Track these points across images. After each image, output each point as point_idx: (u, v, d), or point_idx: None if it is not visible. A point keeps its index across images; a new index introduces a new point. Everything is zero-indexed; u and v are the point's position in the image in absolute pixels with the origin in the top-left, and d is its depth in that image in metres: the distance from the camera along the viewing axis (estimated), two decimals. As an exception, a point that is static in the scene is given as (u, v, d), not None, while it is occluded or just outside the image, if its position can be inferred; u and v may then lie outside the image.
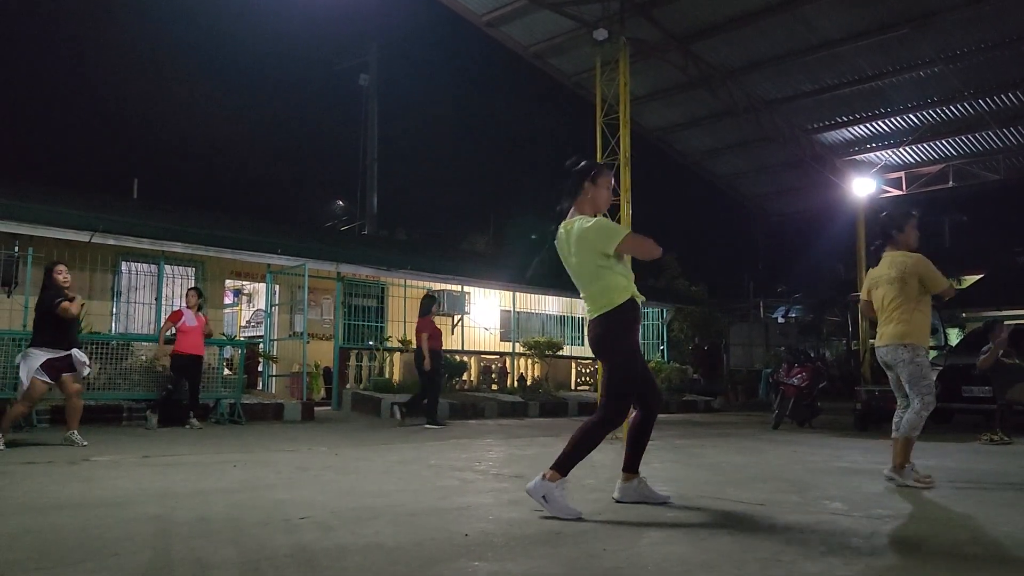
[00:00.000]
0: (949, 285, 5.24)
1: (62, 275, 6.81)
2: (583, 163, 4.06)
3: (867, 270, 5.39)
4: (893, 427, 5.08)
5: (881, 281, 5.12)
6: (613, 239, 3.81)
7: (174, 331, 9.44)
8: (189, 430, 8.93)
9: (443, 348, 10.90)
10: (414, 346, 10.69)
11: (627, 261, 3.97)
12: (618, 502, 3.94)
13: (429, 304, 10.79)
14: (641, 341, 18.92)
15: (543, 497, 3.57)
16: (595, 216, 4.00)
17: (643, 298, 3.95)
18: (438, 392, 10.70)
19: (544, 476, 3.63)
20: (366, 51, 25.04)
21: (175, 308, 10.23)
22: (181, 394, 9.38)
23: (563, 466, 3.66)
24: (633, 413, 4.07)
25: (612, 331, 3.84)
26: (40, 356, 6.57)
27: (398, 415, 10.37)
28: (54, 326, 6.66)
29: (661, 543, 3.13)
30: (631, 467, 4.02)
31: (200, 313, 9.72)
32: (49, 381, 6.65)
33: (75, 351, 6.80)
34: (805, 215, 19.78)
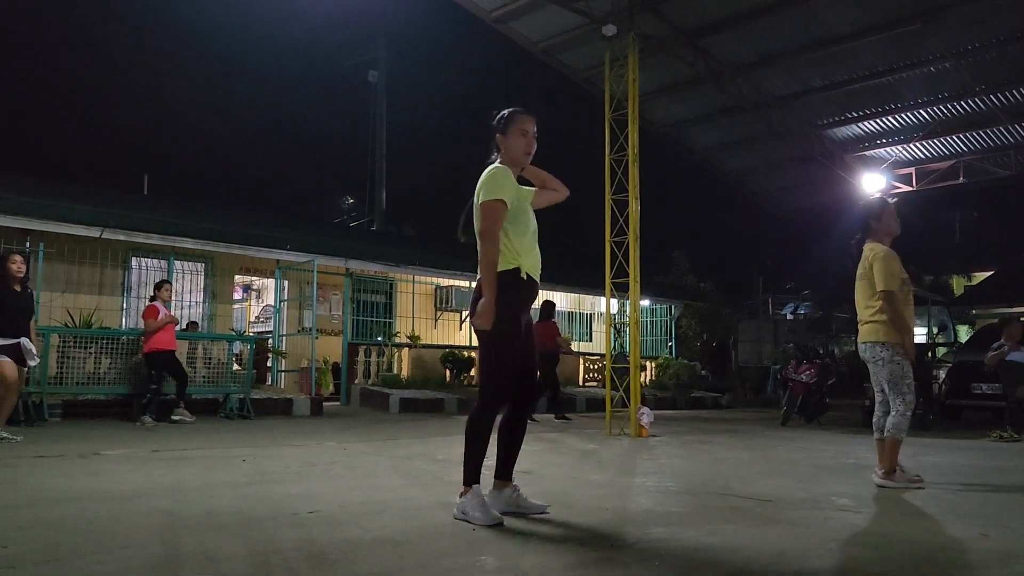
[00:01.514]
0: (884, 290, 4.73)
1: (16, 264, 6.92)
2: (496, 116, 3.70)
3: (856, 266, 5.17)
4: (874, 427, 5.01)
5: (858, 276, 5.02)
6: (487, 194, 3.46)
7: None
8: (179, 424, 8.83)
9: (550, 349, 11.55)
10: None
11: (525, 226, 3.56)
12: None
13: (550, 310, 11.83)
14: (650, 338, 18.76)
15: (463, 514, 3.36)
16: (512, 167, 3.63)
17: (536, 274, 3.56)
18: (557, 388, 11.74)
19: (460, 495, 3.44)
20: (375, 48, 25.07)
21: (172, 304, 10.09)
22: (166, 390, 9.34)
23: (468, 477, 3.42)
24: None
25: (484, 301, 3.42)
26: None
27: (556, 419, 11.08)
28: (2, 313, 6.67)
29: (668, 538, 3.14)
30: (503, 474, 3.62)
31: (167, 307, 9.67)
32: (9, 359, 6.60)
33: (24, 340, 6.77)
34: (814, 211, 19.68)
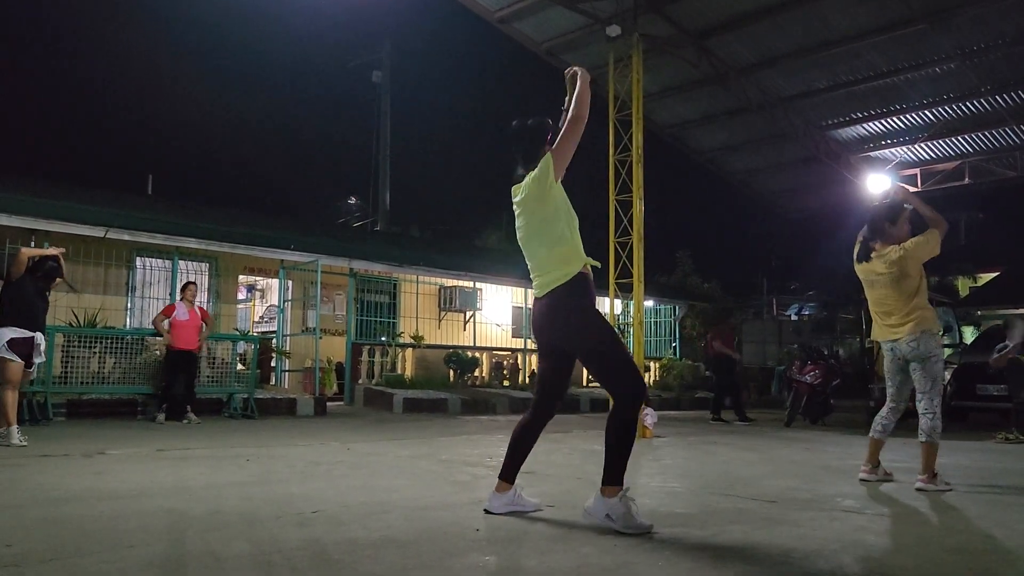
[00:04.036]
0: (940, 223, 4.86)
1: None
2: (535, 123, 3.62)
3: (857, 264, 5.09)
4: (878, 427, 4.99)
5: (880, 281, 4.90)
6: (548, 164, 3.42)
7: (167, 324, 9.49)
8: (187, 425, 8.88)
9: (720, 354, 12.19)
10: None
11: (575, 225, 3.53)
12: (488, 513, 3.55)
13: (724, 318, 12.76)
14: (654, 339, 18.80)
15: (606, 516, 3.22)
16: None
17: (597, 263, 3.55)
18: (738, 392, 12.27)
19: (602, 493, 3.27)
20: (379, 48, 25.08)
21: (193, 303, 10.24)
22: (177, 389, 9.37)
23: (614, 476, 3.27)
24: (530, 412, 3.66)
25: (573, 305, 3.40)
26: (5, 334, 6.50)
27: (711, 419, 11.54)
28: (19, 307, 6.65)
29: (672, 539, 3.13)
30: (509, 476, 3.59)
31: (198, 307, 9.74)
32: (20, 360, 6.53)
33: (38, 335, 6.73)
34: (819, 212, 19.65)
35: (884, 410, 5.05)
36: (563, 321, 3.44)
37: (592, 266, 3.52)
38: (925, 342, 4.72)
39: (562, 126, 3.53)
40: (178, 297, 9.97)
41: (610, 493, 3.26)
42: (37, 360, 6.86)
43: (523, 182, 3.60)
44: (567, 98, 3.67)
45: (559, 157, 3.45)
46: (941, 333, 4.96)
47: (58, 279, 7.14)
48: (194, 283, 10.06)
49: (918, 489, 4.57)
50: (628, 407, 3.34)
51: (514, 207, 3.66)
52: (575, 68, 3.65)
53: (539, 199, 3.49)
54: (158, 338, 9.78)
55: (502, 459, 3.66)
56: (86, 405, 9.40)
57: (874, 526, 3.51)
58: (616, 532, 3.17)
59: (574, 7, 10.43)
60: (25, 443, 6.30)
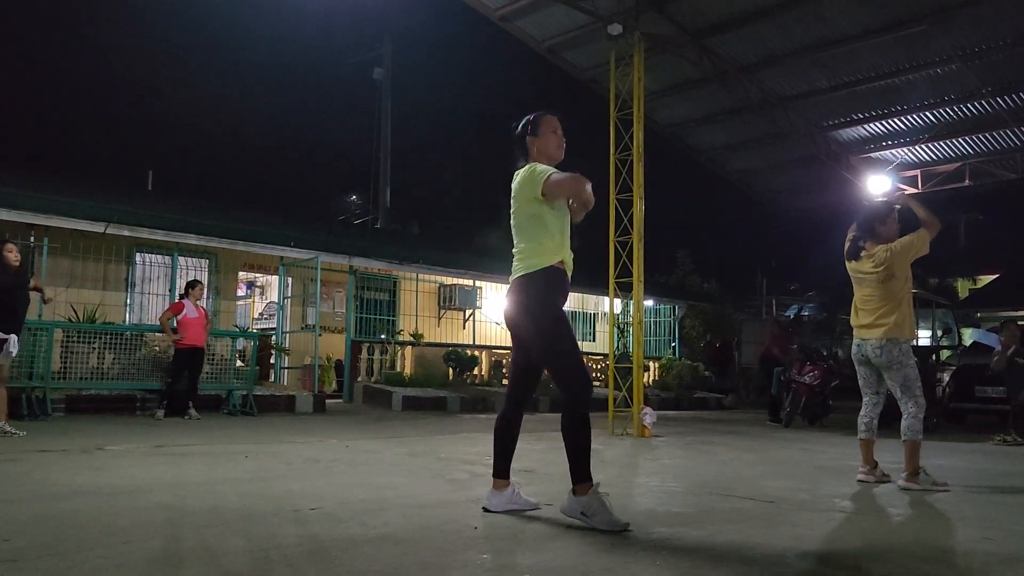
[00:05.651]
0: (933, 225, 4.92)
1: (12, 253, 6.88)
2: (520, 123, 3.75)
3: (847, 261, 5.17)
4: (862, 427, 5.07)
5: (867, 280, 4.98)
6: (540, 178, 3.48)
7: (175, 322, 9.51)
8: (189, 420, 8.90)
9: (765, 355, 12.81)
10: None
11: (563, 222, 3.60)
12: (486, 511, 3.57)
13: (784, 324, 13.66)
14: (653, 338, 18.75)
15: (581, 513, 3.27)
16: (549, 163, 3.66)
17: (571, 268, 3.59)
18: (774, 392, 12.20)
19: (573, 492, 3.33)
20: (380, 45, 25.04)
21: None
22: (181, 385, 9.38)
23: (582, 474, 3.33)
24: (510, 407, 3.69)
25: (531, 296, 3.47)
26: None
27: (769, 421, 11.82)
28: (3, 308, 6.65)
29: (670, 538, 3.13)
30: (504, 473, 3.62)
31: (200, 305, 9.78)
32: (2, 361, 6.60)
33: (13, 337, 6.73)
34: (819, 213, 19.62)
35: (862, 408, 5.12)
36: (522, 312, 3.50)
37: (567, 269, 3.56)
38: (889, 351, 4.79)
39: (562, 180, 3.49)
40: (183, 295, 9.93)
41: (582, 491, 3.30)
42: (3, 361, 6.74)
43: (521, 172, 3.64)
44: None
45: (548, 191, 3.47)
46: (940, 337, 5.00)
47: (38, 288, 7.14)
48: (201, 283, 10.09)
49: (901, 488, 4.62)
50: (577, 404, 3.40)
51: (512, 191, 3.70)
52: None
53: (529, 200, 3.55)
54: (159, 335, 9.77)
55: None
56: (85, 401, 9.40)
57: (871, 527, 3.51)
58: (613, 532, 3.17)
59: (576, 5, 10.42)
60: (24, 434, 6.33)
